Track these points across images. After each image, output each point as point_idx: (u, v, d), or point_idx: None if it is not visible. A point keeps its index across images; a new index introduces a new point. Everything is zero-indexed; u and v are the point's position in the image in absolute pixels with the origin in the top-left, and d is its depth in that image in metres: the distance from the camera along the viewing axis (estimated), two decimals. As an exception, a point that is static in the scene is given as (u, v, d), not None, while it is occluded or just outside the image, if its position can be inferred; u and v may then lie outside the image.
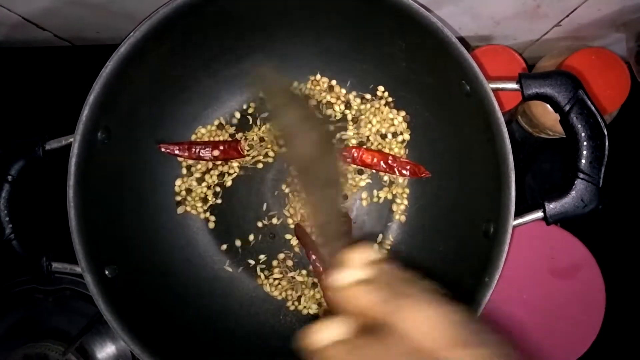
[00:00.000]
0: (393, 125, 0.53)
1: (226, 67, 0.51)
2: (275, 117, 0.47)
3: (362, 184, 0.53)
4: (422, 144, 0.52)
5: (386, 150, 0.53)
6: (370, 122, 0.53)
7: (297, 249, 0.53)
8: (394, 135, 0.53)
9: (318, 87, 0.53)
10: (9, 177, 0.43)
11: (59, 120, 0.45)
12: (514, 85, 0.41)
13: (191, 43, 0.47)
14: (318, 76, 0.53)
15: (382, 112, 0.52)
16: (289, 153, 0.31)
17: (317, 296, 0.52)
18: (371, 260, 0.27)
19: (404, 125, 0.53)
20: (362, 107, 0.53)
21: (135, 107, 0.47)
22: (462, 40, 0.53)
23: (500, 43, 0.53)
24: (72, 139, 0.41)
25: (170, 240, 0.52)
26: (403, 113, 0.52)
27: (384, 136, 0.53)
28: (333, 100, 0.53)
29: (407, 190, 0.53)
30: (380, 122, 0.52)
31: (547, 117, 0.52)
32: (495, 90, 0.40)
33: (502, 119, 0.40)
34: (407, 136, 0.53)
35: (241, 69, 0.52)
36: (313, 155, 0.30)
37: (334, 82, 0.53)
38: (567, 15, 0.49)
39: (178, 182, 0.53)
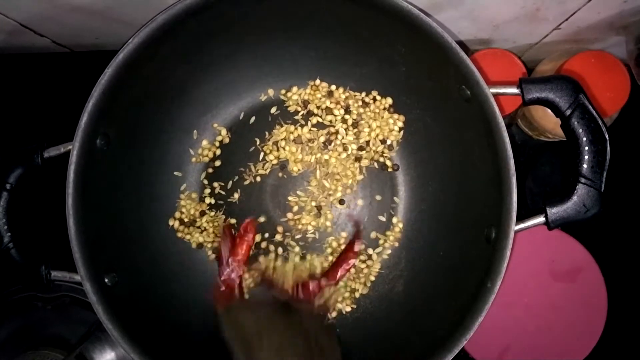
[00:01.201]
0: (393, 130, 0.52)
1: (225, 73, 0.51)
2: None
3: (360, 186, 0.53)
4: (423, 148, 0.52)
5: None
6: (369, 126, 0.52)
7: (297, 254, 0.53)
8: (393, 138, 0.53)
9: (318, 93, 0.53)
10: (8, 185, 0.42)
11: (58, 127, 0.45)
12: (514, 90, 0.40)
13: (190, 49, 0.47)
14: (317, 81, 0.53)
15: (382, 117, 0.52)
16: None
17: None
18: None
19: (400, 124, 0.53)
20: (362, 111, 0.53)
21: (134, 114, 0.47)
22: (461, 44, 0.53)
23: (499, 46, 0.53)
24: (71, 147, 0.41)
25: (170, 247, 0.51)
26: (403, 117, 0.52)
27: (383, 141, 0.53)
28: (332, 106, 0.53)
29: (408, 194, 0.53)
30: (380, 127, 0.52)
31: (547, 120, 0.52)
32: (495, 95, 0.40)
33: (503, 125, 0.40)
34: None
35: (240, 75, 0.52)
36: None
37: (333, 87, 0.53)
38: (567, 19, 0.49)
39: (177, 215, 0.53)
